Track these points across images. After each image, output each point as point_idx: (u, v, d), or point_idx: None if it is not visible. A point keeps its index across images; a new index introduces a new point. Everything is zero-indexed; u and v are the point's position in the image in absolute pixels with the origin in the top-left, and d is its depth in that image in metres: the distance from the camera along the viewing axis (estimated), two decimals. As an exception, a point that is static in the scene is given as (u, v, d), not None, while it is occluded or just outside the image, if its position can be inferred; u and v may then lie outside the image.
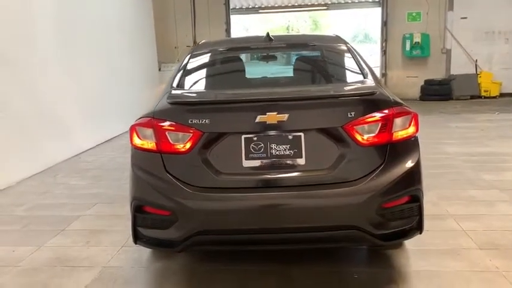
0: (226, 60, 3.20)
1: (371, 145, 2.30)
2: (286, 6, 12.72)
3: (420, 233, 2.54)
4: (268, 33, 3.25)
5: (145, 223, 2.40)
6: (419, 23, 11.11)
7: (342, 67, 3.08)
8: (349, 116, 2.27)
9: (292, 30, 51.42)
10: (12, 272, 2.93)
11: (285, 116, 2.25)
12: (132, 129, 2.42)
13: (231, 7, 11.71)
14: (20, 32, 5.27)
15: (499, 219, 3.52)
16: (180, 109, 2.37)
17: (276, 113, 2.25)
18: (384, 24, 11.35)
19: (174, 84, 2.75)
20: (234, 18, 12.20)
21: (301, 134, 2.28)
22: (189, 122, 2.29)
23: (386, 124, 2.31)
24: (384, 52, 11.47)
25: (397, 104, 2.40)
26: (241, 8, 12.08)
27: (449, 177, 4.68)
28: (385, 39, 11.38)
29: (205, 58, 3.14)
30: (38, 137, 5.44)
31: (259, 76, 3.10)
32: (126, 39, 8.35)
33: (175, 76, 2.85)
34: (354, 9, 13.57)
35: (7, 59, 4.99)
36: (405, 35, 11.10)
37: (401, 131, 2.36)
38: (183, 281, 2.77)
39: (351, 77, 2.87)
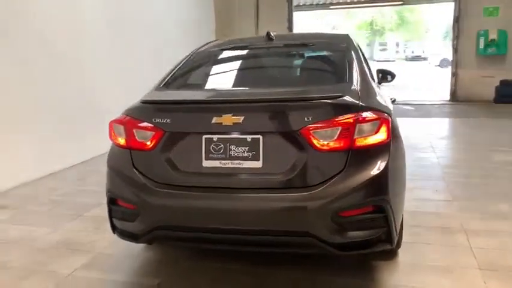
0: (218, 60, 3.24)
1: (330, 151, 2.22)
2: (358, 2, 12.37)
3: (392, 247, 2.41)
4: (268, 33, 3.24)
5: (117, 215, 2.55)
6: (496, 19, 10.21)
7: (328, 69, 2.97)
8: (306, 120, 2.21)
9: (376, 26, 49.83)
10: (22, 251, 3.24)
11: (240, 118, 2.25)
12: (110, 125, 2.56)
13: (294, 4, 11.65)
14: (77, 31, 5.74)
15: (520, 237, 3.20)
16: (147, 108, 2.46)
17: (231, 114, 2.26)
18: (456, 20, 10.60)
19: (161, 83, 2.86)
20: (308, 15, 12.11)
21: (260, 136, 2.26)
22: (153, 120, 2.38)
23: (347, 130, 2.21)
24: (455, 50, 10.72)
25: (365, 109, 2.28)
26: (304, 5, 11.97)
27: (483, 189, 4.31)
28: (456, 35, 10.63)
29: (199, 58, 3.21)
30: (84, 129, 5.87)
31: (244, 76, 3.10)
32: (183, 36, 8.68)
33: (166, 75, 2.96)
34: (428, 4, 12.83)
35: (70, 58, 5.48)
36: (479, 31, 10.28)
37: (366, 138, 2.25)
38: (165, 273, 2.87)
39: (331, 80, 2.77)
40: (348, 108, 2.25)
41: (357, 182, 2.20)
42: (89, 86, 6.02)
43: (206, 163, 2.33)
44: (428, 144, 6.32)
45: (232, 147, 2.29)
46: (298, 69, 3.18)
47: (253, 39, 3.42)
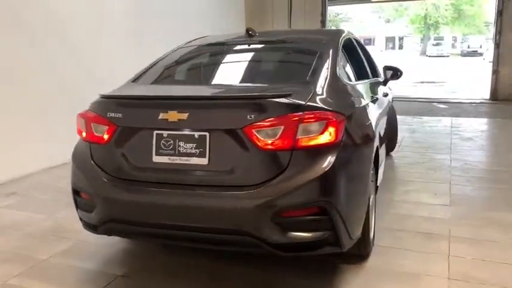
0: (190, 57, 3.25)
1: (272, 150, 2.19)
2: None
3: (341, 250, 2.35)
4: (247, 29, 3.23)
5: (80, 206, 2.65)
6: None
7: (294, 67, 2.91)
8: (249, 118, 2.19)
9: (429, 20, 47.93)
10: (13, 235, 3.44)
11: (185, 115, 2.27)
12: (77, 118, 2.66)
13: (328, -2, 11.45)
14: (98, 24, 5.97)
15: (504, 248, 3.01)
16: (104, 103, 2.53)
17: (176, 111, 2.28)
18: (499, 13, 9.99)
19: (133, 78, 2.93)
20: (365, 9, 11.85)
21: (207, 134, 2.27)
22: (107, 115, 2.45)
23: (290, 129, 2.17)
24: (497, 46, 10.12)
25: (312, 109, 2.23)
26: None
27: (488, 196, 4.08)
28: (499, 30, 10.03)
29: (176, 54, 3.24)
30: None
31: (207, 73, 3.10)
32: (211, 32, 8.76)
33: (141, 70, 3.02)
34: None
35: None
36: (524, 26, 9.65)
37: (311, 138, 2.20)
38: (134, 265, 2.96)
39: (292, 78, 2.70)
40: (291, 107, 2.20)
41: (298, 182, 2.16)
42: (110, 77, 6.23)
43: (156, 158, 2.36)
44: (447, 145, 6.05)
45: (181, 143, 2.32)
46: (264, 66, 3.14)
47: (234, 36, 3.42)
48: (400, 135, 6.72)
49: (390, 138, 5.31)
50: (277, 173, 2.18)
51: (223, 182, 2.25)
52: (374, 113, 3.29)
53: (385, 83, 4.80)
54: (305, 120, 2.19)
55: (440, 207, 3.78)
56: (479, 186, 4.30)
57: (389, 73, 4.77)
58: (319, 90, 2.45)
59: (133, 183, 2.40)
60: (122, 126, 2.42)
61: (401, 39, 64.61)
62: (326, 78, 2.60)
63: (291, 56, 3.16)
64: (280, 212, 2.17)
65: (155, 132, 2.36)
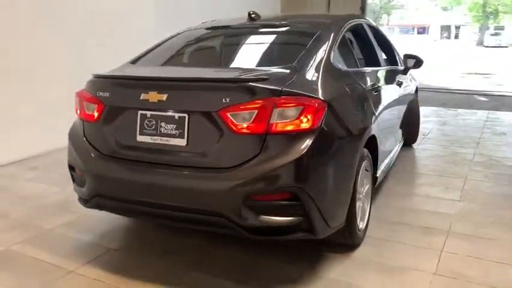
0: (189, 40, 3.27)
1: (246, 134, 2.20)
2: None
3: (316, 237, 2.34)
4: (249, 13, 3.22)
5: (75, 181, 2.78)
6: None
7: (283, 52, 2.86)
8: (224, 101, 2.20)
9: (488, 8, 45.39)
10: (27, 205, 3.66)
11: (164, 96, 2.31)
12: (74, 97, 2.78)
13: (369, -16, 11.07)
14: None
15: (504, 248, 2.87)
16: (95, 82, 2.62)
17: (156, 92, 2.33)
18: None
19: (132, 60, 3.01)
20: None
21: (186, 115, 2.31)
22: (97, 94, 2.54)
23: (264, 114, 2.16)
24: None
25: (289, 94, 2.21)
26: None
27: (503, 193, 3.88)
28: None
29: (178, 38, 3.28)
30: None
31: (196, 56, 3.11)
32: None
33: (142, 53, 3.10)
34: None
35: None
36: None
37: (285, 123, 2.19)
38: (128, 240, 3.08)
39: (278, 62, 2.66)
40: (266, 92, 2.19)
41: (270, 167, 2.16)
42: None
43: (140, 138, 2.43)
44: (476, 139, 5.78)
45: (163, 124, 2.37)
46: (256, 50, 3.11)
47: (237, 20, 3.41)
48: (428, 127, 6.52)
49: (411, 130, 5.16)
50: (251, 157, 2.19)
51: (200, 163, 2.29)
52: (377, 101, 3.21)
53: (405, 71, 4.65)
54: (280, 105, 2.17)
55: (448, 202, 3.65)
56: (497, 183, 4.10)
57: (411, 62, 4.61)
58: (303, 74, 2.42)
59: (119, 161, 2.49)
60: (109, 105, 2.51)
61: (457, 28, 61.79)
62: (315, 63, 2.56)
63: (286, 40, 3.12)
64: (251, 196, 2.19)
65: (139, 112, 2.42)
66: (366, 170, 2.98)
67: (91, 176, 2.55)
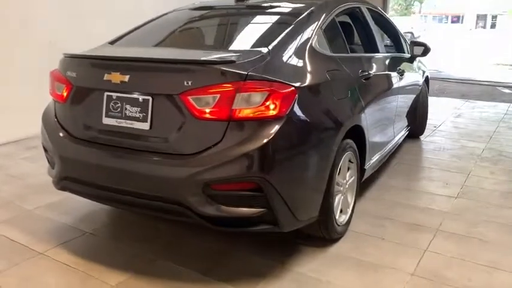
0: (170, 21, 3.14)
1: (208, 119, 2.09)
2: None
3: (280, 230, 2.23)
4: None
5: (49, 162, 2.74)
6: None
7: (261, 34, 2.70)
8: (185, 84, 2.09)
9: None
10: (17, 184, 3.68)
11: (126, 77, 2.22)
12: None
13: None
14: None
15: (494, 250, 2.70)
16: (64, 61, 2.55)
17: (118, 72, 2.24)
18: None
19: (111, 40, 2.93)
20: None
21: (150, 98, 2.22)
22: (66, 74, 2.48)
23: (226, 98, 2.05)
24: None
25: (254, 78, 2.08)
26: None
27: (506, 190, 3.65)
28: None
29: (161, 19, 3.18)
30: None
31: (171, 37, 2.98)
32: None
33: (123, 33, 3.01)
34: None
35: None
36: None
37: (249, 109, 2.06)
38: (104, 223, 3.04)
39: (254, 44, 2.52)
40: (230, 75, 2.07)
41: (231, 155, 2.06)
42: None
43: (106, 120, 2.36)
44: (489, 133, 5.50)
45: (128, 106, 2.29)
46: (233, 32, 2.97)
47: (224, 1, 3.27)
48: (441, 119, 6.26)
49: (418, 121, 4.94)
50: (212, 144, 2.09)
51: (162, 148, 2.20)
52: (367, 90, 3.04)
53: (411, 60, 4.43)
54: (243, 90, 2.05)
55: (443, 199, 3.46)
56: (501, 180, 3.87)
57: (418, 50, 4.39)
58: (277, 58, 2.29)
59: (85, 143, 2.42)
60: (76, 85, 2.45)
61: (494, 17, 59.57)
62: (293, 46, 2.42)
63: (269, 22, 2.97)
64: (211, 185, 2.09)
65: (106, 93, 2.35)
66: (350, 161, 2.84)
67: (58, 157, 2.51)
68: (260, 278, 2.38)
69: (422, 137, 5.25)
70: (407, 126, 4.61)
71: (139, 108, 2.25)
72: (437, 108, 7.13)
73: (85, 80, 2.43)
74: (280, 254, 2.61)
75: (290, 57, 2.36)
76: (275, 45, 2.37)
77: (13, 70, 4.95)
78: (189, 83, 2.09)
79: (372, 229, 2.94)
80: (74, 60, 2.51)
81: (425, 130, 5.39)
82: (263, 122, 2.08)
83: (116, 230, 2.96)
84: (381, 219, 3.08)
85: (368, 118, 2.98)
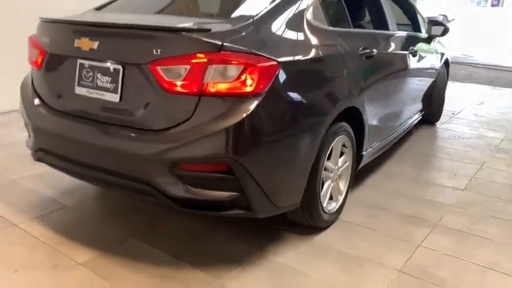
0: None
1: (177, 93, 1.92)
2: None
3: (255, 216, 2.07)
4: None
5: (28, 131, 2.63)
6: None
7: (257, 2, 2.47)
8: (154, 53, 1.92)
9: None
10: (7, 153, 3.62)
11: (95, 44, 2.06)
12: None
13: None
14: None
15: (496, 250, 2.47)
16: (40, 26, 2.41)
17: (87, 38, 2.08)
18: None
19: (98, 6, 2.77)
20: None
21: (120, 67, 2.06)
22: (41, 39, 2.34)
23: (197, 70, 1.87)
24: None
25: (230, 49, 1.89)
26: None
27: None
28: None
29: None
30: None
31: (159, 3, 2.78)
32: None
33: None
34: None
35: None
36: None
37: (223, 83, 1.88)
38: (83, 196, 2.93)
39: (242, 14, 2.29)
40: (202, 45, 1.88)
41: (201, 134, 1.89)
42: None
43: (78, 90, 2.22)
44: (510, 122, 5.16)
45: (99, 75, 2.14)
46: (223, 0, 2.74)
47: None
48: (462, 105, 5.93)
49: (434, 107, 4.66)
50: (182, 121, 1.92)
51: (131, 122, 2.05)
52: (369, 69, 2.81)
53: (428, 40, 4.13)
54: (216, 62, 1.86)
55: (449, 191, 3.22)
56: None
57: (437, 30, 4.08)
58: (261, 29, 2.08)
59: (57, 113, 2.30)
60: (49, 52, 2.31)
61: (537, 2, 56.68)
62: (283, 17, 2.21)
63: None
64: (179, 164, 1.93)
65: (79, 61, 2.20)
66: (344, 146, 2.64)
67: (31, 127, 2.40)
68: (234, 264, 2.23)
69: (438, 124, 4.96)
70: (421, 111, 4.33)
71: (110, 78, 2.10)
72: (460, 94, 6.78)
73: (57, 46, 2.29)
74: (262, 240, 2.45)
75: (278, 29, 2.16)
76: (262, 16, 2.16)
77: (15, 38, 4.88)
78: (158, 51, 1.91)
79: (365, 219, 2.74)
80: (48, 25, 2.36)
81: (443, 117, 5.10)
82: (238, 98, 1.90)
83: (97, 206, 2.86)
84: (377, 209, 2.88)
85: (368, 100, 2.75)
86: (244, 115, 1.88)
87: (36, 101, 2.40)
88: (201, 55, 1.86)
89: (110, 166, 2.11)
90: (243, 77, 1.88)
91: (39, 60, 2.36)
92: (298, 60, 2.15)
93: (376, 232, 2.61)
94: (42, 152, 2.40)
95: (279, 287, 2.08)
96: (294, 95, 2.09)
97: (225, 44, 1.89)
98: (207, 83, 1.87)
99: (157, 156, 1.94)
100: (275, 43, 2.10)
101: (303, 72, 2.17)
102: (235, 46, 1.91)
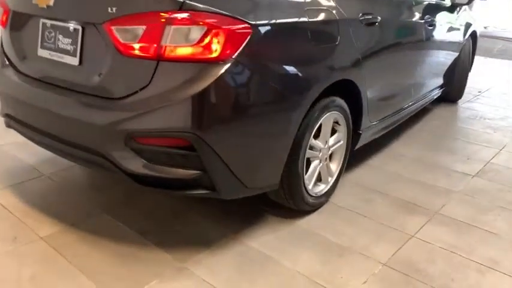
0: None
1: (134, 56, 1.71)
2: None
3: (220, 197, 1.88)
4: None
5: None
6: None
7: None
8: (109, 11, 1.71)
9: None
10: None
11: (51, 0, 1.87)
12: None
13: None
14: None
15: (500, 246, 2.21)
16: None
17: None
18: None
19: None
20: None
21: (80, 28, 1.86)
22: None
23: (154, 31, 1.65)
24: None
25: (191, 8, 1.65)
26: None
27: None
28: None
29: None
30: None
31: None
32: None
33: None
34: None
35: None
36: None
37: (184, 47, 1.66)
38: (66, 168, 2.78)
39: None
40: (160, 2, 1.66)
41: (158, 104, 1.69)
42: None
43: (40, 52, 2.05)
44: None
45: (60, 37, 1.95)
46: None
47: None
48: (490, 83, 5.49)
49: (456, 84, 4.29)
50: (138, 88, 1.72)
51: (90, 89, 1.87)
52: (370, 38, 2.53)
53: (451, 9, 3.75)
54: (176, 22, 1.64)
55: (458, 176, 2.93)
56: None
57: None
58: None
59: (21, 77, 2.15)
60: (12, 10, 2.14)
61: None
62: None
63: None
64: (136, 137, 1.75)
65: (41, 20, 2.02)
66: (337, 123, 2.39)
67: None
68: (203, 247, 2.07)
69: (459, 102, 4.60)
70: (441, 87, 3.98)
71: (70, 40, 1.92)
72: (491, 70, 6.30)
73: (18, 3, 2.12)
74: (240, 222, 2.27)
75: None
76: None
77: None
78: (114, 9, 1.70)
79: (358, 204, 2.51)
80: None
81: (467, 95, 4.73)
82: (201, 65, 1.68)
83: (75, 177, 2.72)
84: (373, 193, 2.64)
85: (368, 73, 2.48)
86: (207, 84, 1.66)
87: (4, 62, 2.25)
88: (159, 14, 1.64)
89: (69, 137, 1.95)
90: (206, 41, 1.65)
91: (4, 19, 2.19)
92: (278, 24, 1.89)
93: (366, 219, 2.38)
94: (9, 118, 2.27)
95: (243, 276, 1.90)
96: (270, 64, 1.85)
97: (186, 1, 1.66)
98: (166, 46, 1.66)
99: (112, 127, 1.76)
100: (250, 3, 1.85)
101: (283, 38, 1.92)
102: (199, 5, 1.68)
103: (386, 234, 2.24)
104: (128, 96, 1.74)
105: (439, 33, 3.47)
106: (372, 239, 2.20)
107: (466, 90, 4.68)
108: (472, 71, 4.73)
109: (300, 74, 1.97)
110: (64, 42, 1.94)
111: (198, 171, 1.78)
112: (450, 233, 2.28)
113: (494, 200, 2.64)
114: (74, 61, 1.90)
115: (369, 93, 2.55)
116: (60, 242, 2.06)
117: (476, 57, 4.83)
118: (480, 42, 4.95)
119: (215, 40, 1.66)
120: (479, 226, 2.35)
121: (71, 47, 1.91)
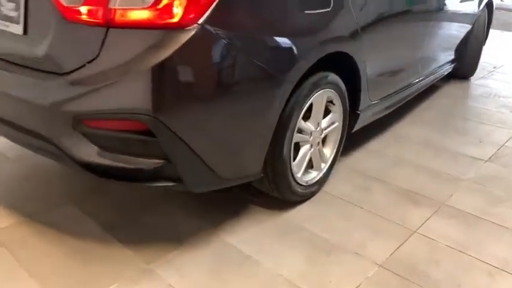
0: None
1: (80, 22, 1.43)
2: None
3: (188, 189, 1.62)
4: None
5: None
6: None
7: None
8: None
9: None
10: None
11: None
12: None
13: None
14: None
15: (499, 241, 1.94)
16: None
17: None
18: None
19: None
20: None
21: None
22: None
23: None
24: None
25: None
26: None
27: None
28: None
29: None
30: None
31: None
32: None
33: None
34: None
35: None
36: None
37: (137, 11, 1.37)
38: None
39: None
40: None
41: (110, 79, 1.41)
42: None
43: (-14, 20, 1.77)
44: None
45: (3, 1, 1.67)
46: None
47: None
48: (507, 58, 5.12)
49: (468, 59, 3.95)
50: (86, 61, 1.44)
51: (36, 63, 1.59)
52: (370, 7, 2.21)
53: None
54: (124, -20, 1.35)
55: (468, 161, 2.64)
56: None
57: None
58: None
59: None
60: None
61: None
62: None
63: None
64: (84, 120, 1.48)
65: (-16, -18, 1.73)
66: (331, 102, 2.10)
67: None
68: (176, 244, 1.82)
69: (472, 79, 4.25)
70: (451, 62, 3.65)
71: (14, 4, 1.63)
72: (508, 45, 5.91)
73: None
74: (220, 214, 2.02)
75: None
76: None
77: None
78: (53, -34, 1.41)
79: (354, 193, 2.24)
80: None
81: (481, 71, 4.38)
82: (159, 33, 1.39)
83: (44, 161, 2.47)
84: (372, 181, 2.36)
85: (368, 45, 2.17)
86: (166, 56, 1.37)
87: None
88: (104, -30, 1.35)
89: (19, 121, 1.69)
90: (164, 2, 1.36)
91: None
92: None
93: (362, 210, 2.11)
94: None
95: (216, 280, 1.65)
96: (246, 32, 1.55)
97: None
98: (115, 10, 1.37)
99: (55, 108, 1.49)
100: None
101: (261, 2, 1.61)
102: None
103: (385, 230, 1.97)
104: (73, 71, 1.46)
105: (451, 2, 3.12)
106: (368, 234, 1.93)
107: (480, 65, 4.32)
108: (486, 45, 4.38)
109: (282, 45, 1.67)
110: (8, 7, 1.65)
111: (161, 160, 1.51)
112: (458, 227, 2.01)
113: (508, 188, 2.35)
114: (18, 30, 1.62)
115: (369, 68, 2.24)
116: (15, 235, 1.83)
117: (491, 31, 4.45)
118: (496, 15, 4.57)
119: (176, 2, 1.36)
120: (491, 219, 2.08)
121: (15, 13, 1.63)
